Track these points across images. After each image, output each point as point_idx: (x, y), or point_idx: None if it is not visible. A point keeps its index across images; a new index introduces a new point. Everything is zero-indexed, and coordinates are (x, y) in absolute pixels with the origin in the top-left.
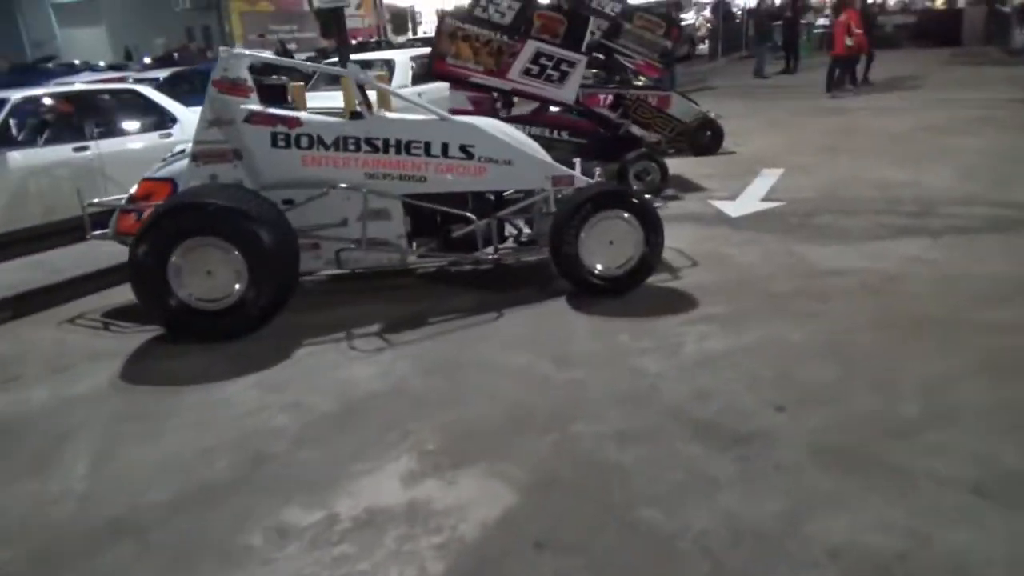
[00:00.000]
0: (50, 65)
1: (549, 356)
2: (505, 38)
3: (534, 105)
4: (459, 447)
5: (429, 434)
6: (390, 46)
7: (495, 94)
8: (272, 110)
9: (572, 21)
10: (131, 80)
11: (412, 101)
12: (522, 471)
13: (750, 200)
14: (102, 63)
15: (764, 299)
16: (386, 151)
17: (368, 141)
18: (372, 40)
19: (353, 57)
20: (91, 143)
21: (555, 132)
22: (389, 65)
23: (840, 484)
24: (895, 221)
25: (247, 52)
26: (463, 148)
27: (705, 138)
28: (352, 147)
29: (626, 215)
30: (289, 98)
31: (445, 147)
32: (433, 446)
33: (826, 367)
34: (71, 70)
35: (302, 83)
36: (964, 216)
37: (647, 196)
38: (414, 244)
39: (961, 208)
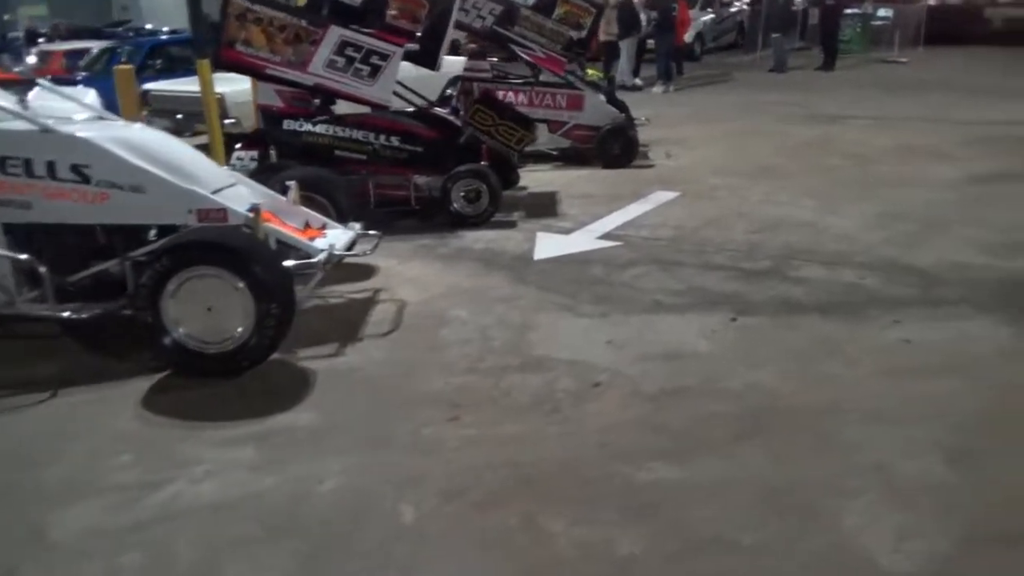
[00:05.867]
0: (119, 30)
1: None
2: (303, 22)
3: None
4: None
5: None
6: None
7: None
8: None
9: (433, 4)
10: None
11: (9, 110)
12: None
13: (585, 236)
14: (165, 28)
15: (383, 408)
16: None
17: None
18: None
19: None
20: None
21: (382, 137)
22: None
23: None
24: (716, 284)
25: None
26: (76, 169)
27: (613, 148)
28: None
29: (227, 275)
30: None
31: (51, 166)
32: None
33: (264, 563)
34: (137, 35)
35: None
36: (816, 282)
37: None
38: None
39: (823, 270)
